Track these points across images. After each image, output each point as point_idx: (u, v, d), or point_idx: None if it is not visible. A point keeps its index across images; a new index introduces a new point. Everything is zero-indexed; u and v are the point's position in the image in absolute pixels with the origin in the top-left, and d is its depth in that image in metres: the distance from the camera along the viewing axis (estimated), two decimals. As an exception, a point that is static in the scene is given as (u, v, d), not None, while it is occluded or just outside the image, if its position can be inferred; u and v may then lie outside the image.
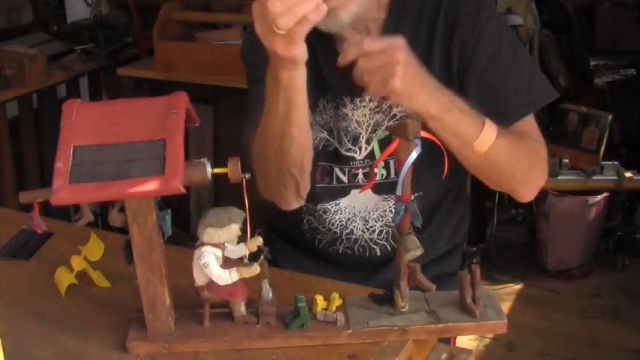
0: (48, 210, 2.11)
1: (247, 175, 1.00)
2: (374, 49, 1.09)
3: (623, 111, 3.39)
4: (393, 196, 1.36)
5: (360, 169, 1.38)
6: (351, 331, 1.05)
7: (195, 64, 2.86)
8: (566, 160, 2.93)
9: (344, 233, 1.42)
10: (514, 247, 3.35)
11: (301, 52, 1.07)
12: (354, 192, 1.39)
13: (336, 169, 1.39)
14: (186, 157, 0.96)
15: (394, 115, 1.34)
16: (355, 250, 1.44)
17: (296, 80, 1.13)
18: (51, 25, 3.46)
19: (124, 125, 1.00)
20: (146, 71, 2.99)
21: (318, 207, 1.42)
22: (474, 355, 1.09)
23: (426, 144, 1.05)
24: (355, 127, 1.35)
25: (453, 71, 1.31)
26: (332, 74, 1.34)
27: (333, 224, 1.43)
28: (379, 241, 1.42)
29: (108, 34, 3.07)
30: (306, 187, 1.31)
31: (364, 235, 1.42)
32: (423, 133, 1.01)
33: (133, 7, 3.23)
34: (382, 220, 1.40)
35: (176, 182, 0.92)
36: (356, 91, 1.31)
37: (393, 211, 1.33)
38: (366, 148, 1.36)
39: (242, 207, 1.03)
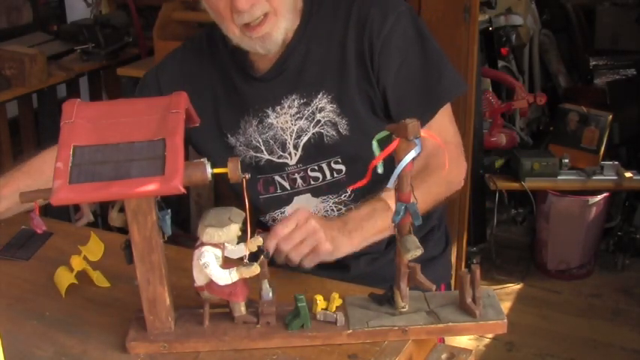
0: (48, 210, 2.11)
1: (247, 175, 1.00)
2: (288, 230, 1.18)
3: (623, 111, 3.39)
4: (330, 196, 1.43)
5: (297, 174, 1.43)
6: (351, 331, 1.05)
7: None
8: (566, 160, 2.93)
9: None
10: (514, 247, 3.35)
11: None
12: (297, 199, 1.45)
13: (277, 177, 1.44)
14: (186, 157, 0.96)
15: (318, 121, 1.39)
16: None
17: None
18: (51, 25, 3.46)
19: (124, 125, 1.00)
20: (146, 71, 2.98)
21: (267, 217, 1.49)
22: (473, 355, 1.09)
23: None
24: (281, 134, 1.41)
25: (367, 64, 1.37)
26: (249, 91, 1.42)
27: None
28: None
29: (108, 34, 3.07)
30: None
31: None
32: (423, 133, 1.01)
33: (133, 7, 3.23)
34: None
35: (176, 182, 0.92)
36: (275, 99, 1.40)
37: (334, 209, 1.43)
38: (295, 154, 1.42)
39: (242, 207, 1.03)
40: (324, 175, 1.42)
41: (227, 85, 1.45)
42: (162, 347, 1.05)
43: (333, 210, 1.44)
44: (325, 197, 1.44)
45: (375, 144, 1.02)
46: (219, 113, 1.45)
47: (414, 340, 1.07)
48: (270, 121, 1.41)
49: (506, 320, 1.07)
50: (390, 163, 1.02)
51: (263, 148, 1.42)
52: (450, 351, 1.09)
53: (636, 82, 3.70)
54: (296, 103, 1.39)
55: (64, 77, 2.95)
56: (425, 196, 1.28)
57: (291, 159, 1.42)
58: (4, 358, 0.83)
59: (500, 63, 3.51)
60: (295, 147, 1.41)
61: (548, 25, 3.99)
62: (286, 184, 1.44)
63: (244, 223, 1.02)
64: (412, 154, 1.00)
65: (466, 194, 2.44)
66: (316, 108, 1.38)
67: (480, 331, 1.18)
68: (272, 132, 1.41)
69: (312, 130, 1.39)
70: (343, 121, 1.37)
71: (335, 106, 1.37)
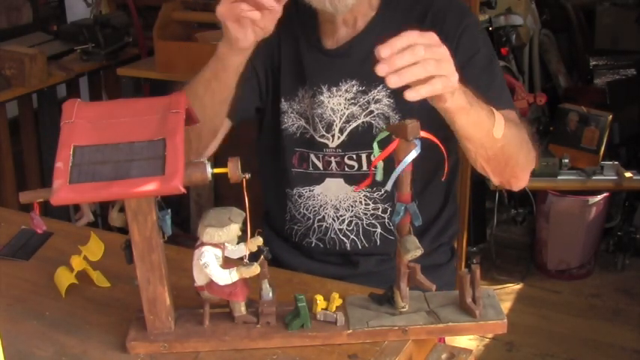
0: (48, 210, 2.12)
1: (247, 175, 1.00)
2: (406, 43, 1.00)
3: (623, 111, 3.39)
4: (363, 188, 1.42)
5: (333, 157, 1.43)
6: (351, 331, 1.05)
7: (195, 64, 2.85)
8: (566, 160, 2.93)
9: (316, 219, 1.47)
10: (514, 247, 3.36)
11: (242, 39, 1.21)
12: (328, 180, 1.44)
13: (312, 155, 1.44)
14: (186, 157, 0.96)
15: (371, 112, 1.39)
16: (326, 242, 1.47)
17: (229, 60, 1.27)
18: (51, 25, 3.46)
19: (124, 125, 1.00)
20: (146, 71, 2.98)
21: (294, 191, 1.48)
22: (473, 355, 1.09)
23: (423, 143, 1.05)
24: (330, 115, 1.41)
25: None
26: (312, 62, 1.42)
27: (307, 209, 1.48)
28: (349, 234, 1.46)
29: (108, 34, 3.07)
30: (205, 146, 1.41)
31: (334, 224, 1.46)
32: (423, 134, 1.01)
33: (133, 7, 3.23)
34: (352, 211, 1.44)
35: (176, 182, 0.92)
36: (333, 79, 1.40)
37: (362, 202, 1.43)
38: (339, 137, 1.41)
39: (242, 207, 1.03)
40: (360, 165, 1.41)
41: (293, 52, 1.44)
42: (163, 347, 1.05)
43: (361, 202, 1.44)
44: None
45: (375, 145, 1.02)
46: (280, 77, 1.45)
47: (414, 340, 1.07)
48: (322, 98, 1.41)
49: (506, 320, 1.07)
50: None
51: (311, 122, 1.42)
52: (450, 351, 1.09)
53: (636, 82, 3.70)
54: (354, 89, 1.39)
55: (64, 77, 2.95)
56: (515, 133, 1.25)
57: (332, 141, 1.42)
58: (4, 358, 0.83)
59: (500, 63, 3.51)
60: (341, 131, 1.41)
61: (548, 25, 3.99)
62: (319, 164, 1.44)
63: (244, 223, 1.02)
64: (413, 154, 1.00)
65: (466, 194, 2.44)
66: (372, 98, 1.39)
67: (480, 331, 1.18)
68: (320, 110, 1.41)
69: (362, 119, 1.39)
70: (397, 117, 1.38)
71: (392, 100, 1.38)
